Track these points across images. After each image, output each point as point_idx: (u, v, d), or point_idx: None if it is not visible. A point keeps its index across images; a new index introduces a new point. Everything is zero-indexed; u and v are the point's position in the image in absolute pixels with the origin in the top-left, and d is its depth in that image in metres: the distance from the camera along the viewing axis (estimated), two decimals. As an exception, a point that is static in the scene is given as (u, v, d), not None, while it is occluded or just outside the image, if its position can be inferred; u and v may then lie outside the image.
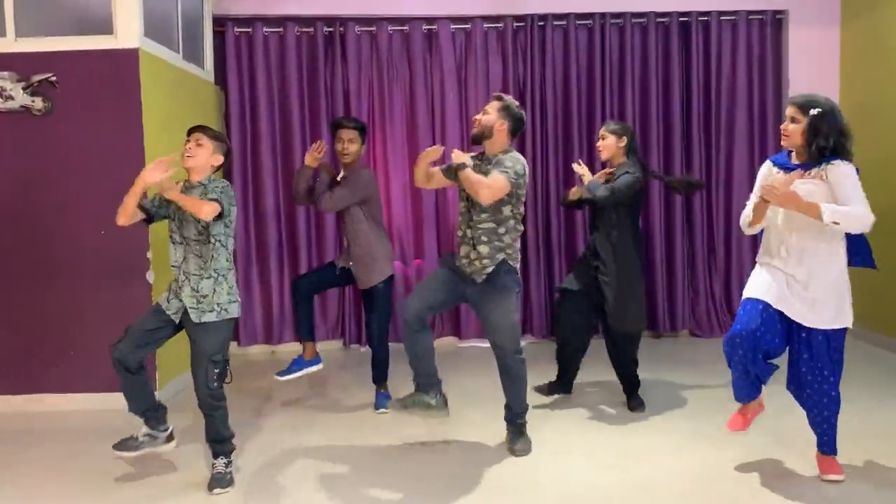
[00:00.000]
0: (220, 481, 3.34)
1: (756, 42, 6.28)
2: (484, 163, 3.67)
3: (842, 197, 3.03)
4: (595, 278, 4.27)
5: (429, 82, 6.17)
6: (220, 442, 3.41)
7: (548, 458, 3.68)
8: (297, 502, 3.24)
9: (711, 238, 6.31)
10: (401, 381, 4.44)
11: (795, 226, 3.12)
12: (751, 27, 6.27)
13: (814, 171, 3.11)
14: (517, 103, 3.74)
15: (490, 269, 3.60)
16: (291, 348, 6.10)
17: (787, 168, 3.19)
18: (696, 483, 3.31)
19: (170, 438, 3.61)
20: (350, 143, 4.40)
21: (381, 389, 4.57)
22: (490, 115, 3.65)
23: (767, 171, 3.29)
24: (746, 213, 3.34)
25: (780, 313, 3.13)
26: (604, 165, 4.51)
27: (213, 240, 3.34)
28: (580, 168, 4.38)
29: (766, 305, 3.12)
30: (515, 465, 3.60)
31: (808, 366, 3.16)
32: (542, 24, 6.14)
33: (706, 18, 6.22)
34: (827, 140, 3.07)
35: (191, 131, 3.43)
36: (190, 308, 3.31)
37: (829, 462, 3.27)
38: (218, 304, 3.34)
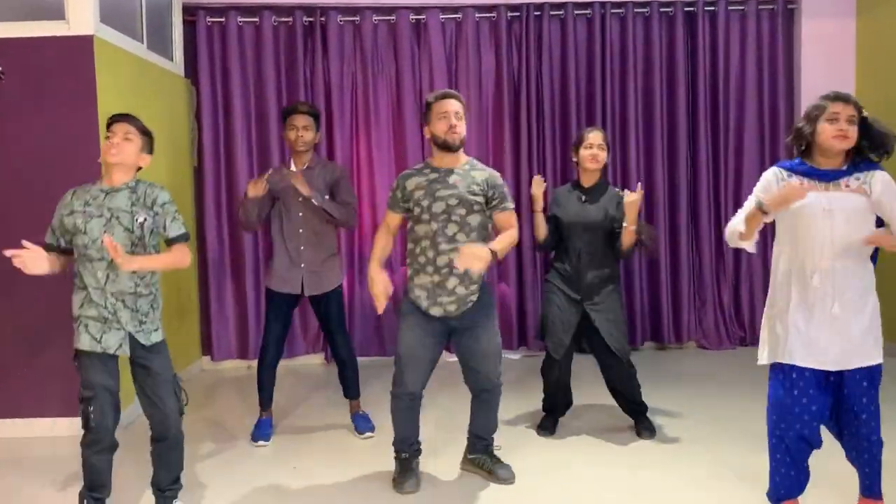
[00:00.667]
0: None
1: (766, 34, 5.88)
2: (441, 175, 3.24)
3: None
4: (581, 313, 3.85)
5: (417, 76, 5.74)
6: (173, 482, 2.98)
7: (550, 489, 3.25)
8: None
9: (720, 244, 5.89)
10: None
11: (839, 251, 2.65)
12: (761, 18, 5.87)
13: (852, 181, 2.68)
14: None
15: (478, 293, 3.23)
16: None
17: (811, 176, 2.71)
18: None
19: None
20: (305, 131, 3.97)
21: (358, 410, 4.17)
22: (463, 122, 3.23)
23: (775, 179, 2.76)
24: (736, 224, 2.82)
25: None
26: (572, 174, 4.03)
27: (151, 250, 2.88)
28: (537, 187, 3.98)
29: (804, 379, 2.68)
30: (517, 498, 3.17)
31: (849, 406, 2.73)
32: (538, 14, 5.72)
33: (713, 8, 5.82)
34: (885, 143, 2.66)
35: (114, 120, 2.90)
36: (136, 332, 2.83)
37: None
38: (159, 321, 2.93)
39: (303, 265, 3.96)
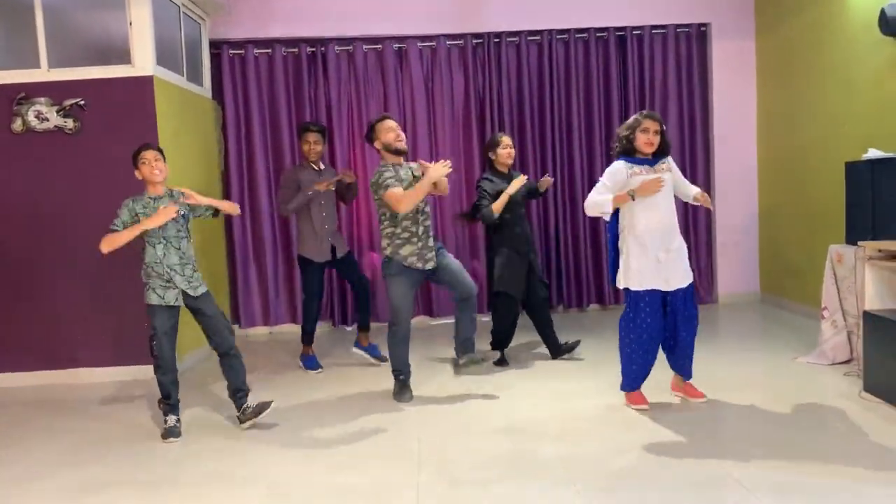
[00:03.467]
0: (260, 409, 4.20)
1: (684, 53, 7.23)
2: (408, 171, 4.66)
3: (682, 180, 4.19)
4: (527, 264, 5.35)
5: (400, 94, 7.07)
6: (241, 389, 4.26)
7: (497, 399, 4.62)
8: (320, 433, 4.15)
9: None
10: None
11: (668, 208, 4.11)
12: (679, 39, 7.22)
13: (662, 165, 4.13)
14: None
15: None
16: (286, 329, 7.05)
17: (646, 164, 4.08)
18: (611, 413, 4.24)
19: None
20: (316, 144, 5.46)
21: (367, 340, 5.63)
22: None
23: (626, 168, 4.08)
24: (604, 201, 4.03)
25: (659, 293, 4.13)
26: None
27: (188, 234, 4.21)
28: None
29: (652, 297, 4.09)
30: (471, 406, 4.52)
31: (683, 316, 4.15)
32: (497, 41, 7.07)
33: (639, 32, 7.17)
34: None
35: (143, 149, 4.12)
36: (187, 289, 4.14)
37: (692, 387, 4.34)
38: (200, 279, 4.25)
39: (329, 238, 5.45)
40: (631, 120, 4.13)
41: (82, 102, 5.40)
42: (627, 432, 3.90)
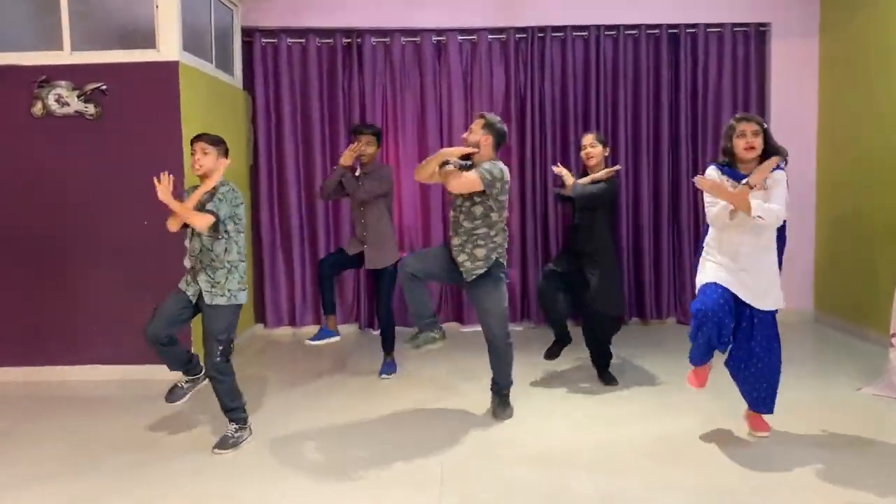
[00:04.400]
0: (222, 443, 3.85)
1: (741, 53, 6.79)
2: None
3: (774, 199, 3.60)
4: (578, 269, 4.83)
5: (438, 89, 6.74)
6: (227, 410, 3.92)
7: (530, 421, 4.25)
8: (308, 459, 3.84)
9: (696, 234, 6.83)
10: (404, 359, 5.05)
11: (743, 226, 3.64)
12: (736, 39, 6.78)
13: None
14: (499, 119, 4.25)
15: (484, 269, 4.17)
16: (312, 330, 6.74)
17: (737, 178, 3.64)
18: (658, 443, 3.86)
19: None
20: (368, 146, 5.12)
21: (388, 358, 5.27)
22: (475, 134, 4.17)
23: (716, 174, 3.71)
24: (720, 210, 3.65)
25: (734, 297, 3.68)
26: (585, 170, 5.00)
27: (223, 236, 3.84)
28: (559, 170, 4.91)
29: (725, 289, 3.66)
30: (501, 428, 4.17)
31: (758, 340, 3.71)
32: (541, 35, 6.69)
33: (694, 31, 6.74)
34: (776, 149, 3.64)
35: (193, 141, 3.82)
36: (204, 291, 3.82)
37: (760, 420, 3.89)
38: (228, 290, 3.84)
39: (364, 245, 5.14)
40: (725, 128, 3.73)
41: (104, 87, 5.17)
42: (675, 467, 3.52)
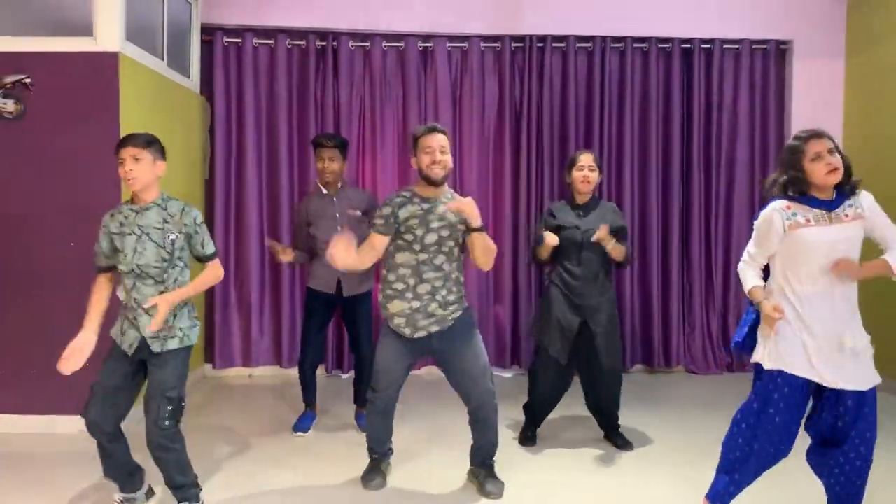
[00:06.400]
0: None
1: (759, 72, 6.13)
2: (431, 205, 3.36)
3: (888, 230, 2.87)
4: (579, 328, 4.02)
5: (422, 101, 5.97)
6: (175, 488, 3.08)
7: (528, 494, 3.43)
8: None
9: (709, 272, 6.11)
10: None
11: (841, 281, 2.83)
12: (754, 57, 6.13)
13: (849, 209, 2.87)
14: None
15: (458, 315, 3.40)
16: (268, 371, 5.87)
17: (815, 205, 2.86)
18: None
19: (149, 494, 3.30)
20: (331, 162, 4.33)
21: (362, 410, 4.39)
22: (448, 155, 3.39)
23: (780, 217, 2.86)
24: (745, 280, 2.97)
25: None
26: (566, 194, 4.21)
27: (179, 263, 3.05)
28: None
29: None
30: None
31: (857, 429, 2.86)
32: (540, 45, 5.97)
33: (709, 46, 6.07)
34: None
35: (120, 146, 3.00)
36: (150, 338, 2.99)
37: None
38: (180, 330, 3.05)
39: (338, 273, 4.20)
40: (787, 153, 2.90)
41: (28, 80, 4.32)
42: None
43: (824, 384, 2.79)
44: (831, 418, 2.86)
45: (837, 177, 2.82)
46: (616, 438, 4.19)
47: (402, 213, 3.33)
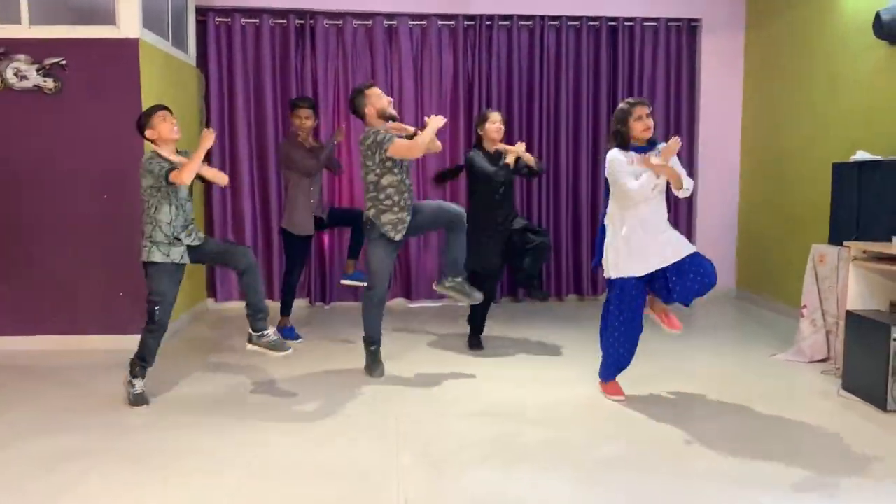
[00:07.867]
0: (273, 346, 4.23)
1: (674, 46, 7.24)
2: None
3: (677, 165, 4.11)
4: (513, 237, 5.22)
5: (389, 72, 6.98)
6: (263, 307, 4.24)
7: (483, 382, 4.61)
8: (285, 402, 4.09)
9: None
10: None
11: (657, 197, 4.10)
12: (670, 33, 7.22)
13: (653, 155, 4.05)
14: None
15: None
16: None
17: (639, 152, 4.02)
18: (594, 401, 4.25)
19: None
20: (307, 120, 5.48)
21: (352, 268, 5.64)
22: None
23: (623, 156, 4.02)
24: (643, 183, 3.98)
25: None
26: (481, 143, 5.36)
27: (191, 195, 4.20)
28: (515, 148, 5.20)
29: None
30: (449, 386, 4.51)
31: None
32: (489, 23, 7.00)
33: (631, 24, 7.15)
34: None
35: (160, 108, 4.10)
36: (190, 243, 4.13)
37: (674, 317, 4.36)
38: (197, 229, 4.28)
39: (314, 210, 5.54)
40: (620, 112, 4.07)
41: (63, 62, 5.24)
42: (612, 421, 3.91)
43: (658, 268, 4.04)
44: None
45: (649, 134, 4.04)
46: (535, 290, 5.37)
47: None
